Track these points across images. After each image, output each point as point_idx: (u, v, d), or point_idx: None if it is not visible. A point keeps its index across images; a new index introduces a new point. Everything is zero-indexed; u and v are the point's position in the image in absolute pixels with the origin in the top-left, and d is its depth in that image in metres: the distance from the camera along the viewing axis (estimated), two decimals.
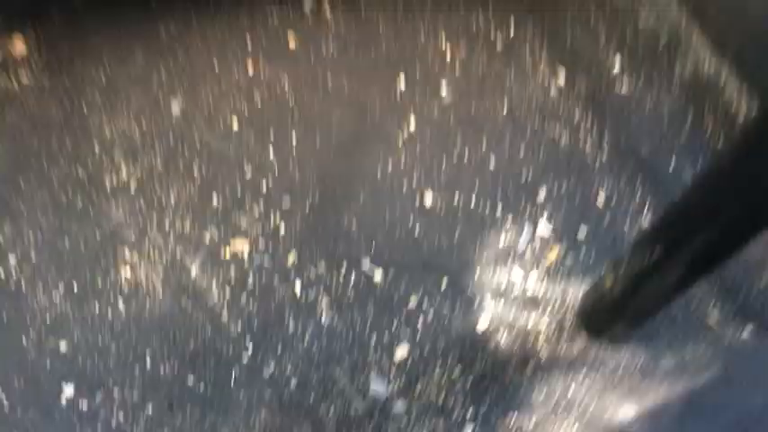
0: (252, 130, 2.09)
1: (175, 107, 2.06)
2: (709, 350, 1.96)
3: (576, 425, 1.78)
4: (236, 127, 2.08)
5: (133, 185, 1.90)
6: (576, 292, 2.02)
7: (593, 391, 1.84)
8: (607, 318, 1.83)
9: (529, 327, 1.93)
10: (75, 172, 1.88)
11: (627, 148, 2.32)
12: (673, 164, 2.31)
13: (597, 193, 2.22)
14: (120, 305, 1.72)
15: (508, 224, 2.10)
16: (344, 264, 1.91)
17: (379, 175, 2.10)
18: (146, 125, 2.01)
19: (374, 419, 1.70)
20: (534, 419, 1.77)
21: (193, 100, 2.09)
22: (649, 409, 1.76)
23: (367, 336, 1.82)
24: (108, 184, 1.88)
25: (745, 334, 2.02)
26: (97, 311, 1.70)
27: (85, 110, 1.98)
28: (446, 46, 2.33)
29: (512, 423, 1.76)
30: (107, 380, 1.62)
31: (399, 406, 1.73)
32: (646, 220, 2.18)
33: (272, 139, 2.08)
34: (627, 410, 1.81)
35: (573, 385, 1.85)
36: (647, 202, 2.21)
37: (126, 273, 1.77)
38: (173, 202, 1.91)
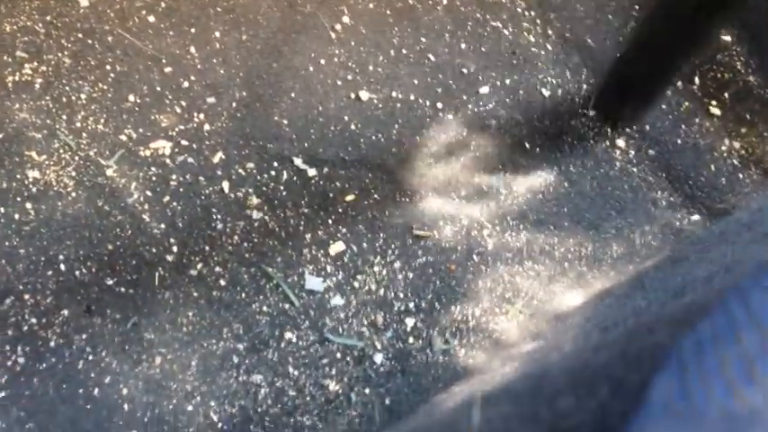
0: (169, 24, 1.93)
1: (83, 1, 1.89)
2: (658, 236, 1.91)
3: (522, 313, 1.71)
4: (152, 21, 1.92)
5: (38, 83, 1.74)
6: (519, 185, 1.94)
7: (540, 280, 1.78)
8: (618, 99, 1.94)
9: (472, 219, 1.85)
10: None
11: (572, 37, 2.23)
12: (618, 53, 2.23)
13: (543, 85, 2.13)
14: (29, 207, 1.58)
15: (449, 118, 2.00)
16: (275, 162, 1.79)
17: (310, 71, 1.97)
18: (50, 20, 1.83)
19: (310, 316, 1.61)
20: (479, 309, 1.70)
21: None
22: (595, 293, 1.70)
23: (301, 233, 1.72)
24: (9, 82, 1.72)
25: (693, 220, 1.97)
26: (3, 215, 1.56)
27: None
28: None
29: (456, 313, 1.68)
30: (17, 285, 1.49)
31: (337, 300, 1.63)
32: (591, 111, 2.11)
33: (192, 33, 1.93)
34: (574, 297, 1.75)
35: (519, 275, 1.78)
36: (593, 93, 2.13)
37: (34, 174, 1.62)
38: (84, 100, 1.75)
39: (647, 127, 2.14)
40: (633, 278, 1.65)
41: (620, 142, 2.10)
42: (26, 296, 1.48)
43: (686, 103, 2.22)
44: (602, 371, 0.56)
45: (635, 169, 2.05)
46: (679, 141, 2.13)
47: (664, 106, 2.20)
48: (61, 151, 1.67)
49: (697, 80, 2.27)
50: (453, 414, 0.63)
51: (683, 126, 2.17)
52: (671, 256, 1.76)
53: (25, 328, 1.44)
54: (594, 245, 1.87)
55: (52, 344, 1.44)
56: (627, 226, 1.93)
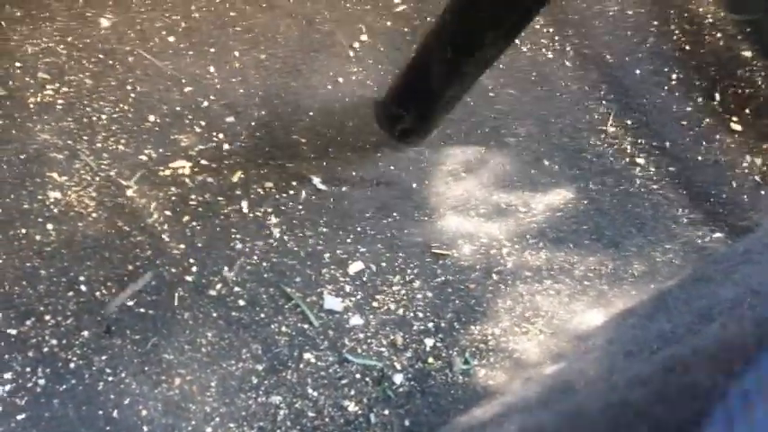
0: (189, 44, 1.94)
1: (104, 22, 1.91)
2: (679, 254, 1.89)
3: (543, 333, 1.69)
4: (172, 42, 1.94)
5: (60, 104, 1.75)
6: (537, 202, 1.93)
7: (560, 299, 1.76)
8: (398, 111, 1.83)
9: (491, 237, 1.84)
10: None
11: (591, 53, 2.22)
12: (638, 70, 2.22)
13: (561, 101, 2.12)
14: (50, 228, 1.59)
15: (469, 138, 1.99)
16: (294, 181, 1.79)
17: (329, 90, 1.98)
18: (72, 41, 1.85)
19: (329, 336, 1.60)
20: (499, 329, 1.69)
21: (124, 14, 1.93)
22: (617, 313, 1.68)
23: (320, 252, 1.71)
24: (31, 103, 1.73)
25: (715, 237, 1.95)
26: (24, 235, 1.57)
27: (4, 26, 1.82)
28: None
29: (476, 333, 1.67)
30: (37, 306, 1.50)
31: (356, 320, 1.63)
32: (611, 127, 2.10)
33: (211, 53, 1.94)
34: (595, 317, 1.74)
35: (538, 294, 1.76)
36: (612, 109, 2.12)
37: (55, 195, 1.63)
38: (104, 121, 1.77)
39: (668, 144, 2.12)
40: (656, 298, 1.64)
41: (640, 159, 2.08)
42: (47, 317, 1.49)
43: (707, 120, 2.20)
44: (640, 410, 0.54)
45: (655, 186, 2.03)
46: (700, 158, 2.11)
47: (684, 122, 2.18)
48: (82, 172, 1.68)
49: (717, 96, 2.25)
50: None
51: (704, 143, 2.15)
52: (693, 276, 1.74)
53: (45, 349, 1.45)
54: (615, 263, 1.85)
55: (72, 365, 1.45)
56: (648, 244, 1.91)
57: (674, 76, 2.26)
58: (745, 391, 0.38)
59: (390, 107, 1.85)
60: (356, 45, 2.08)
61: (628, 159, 2.07)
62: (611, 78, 2.20)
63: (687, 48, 2.33)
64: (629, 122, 2.13)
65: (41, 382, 1.42)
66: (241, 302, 1.60)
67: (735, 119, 2.21)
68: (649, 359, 1.02)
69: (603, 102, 2.15)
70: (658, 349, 1.07)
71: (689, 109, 2.20)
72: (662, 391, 0.53)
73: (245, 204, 1.74)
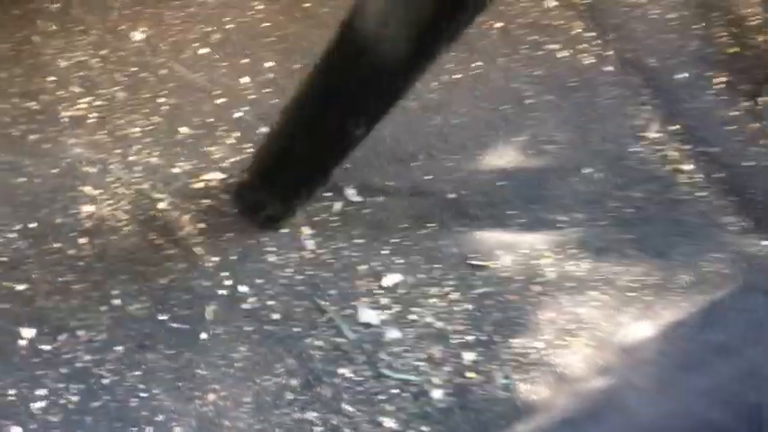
0: (222, 54, 1.93)
1: (137, 35, 1.90)
2: (728, 264, 1.81)
3: (587, 346, 1.63)
4: (204, 53, 1.92)
5: (93, 118, 1.75)
6: (578, 211, 1.87)
7: (604, 311, 1.70)
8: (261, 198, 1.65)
9: (531, 247, 1.78)
10: (28, 105, 1.72)
11: (632, 58, 2.16)
12: (681, 74, 2.15)
13: (602, 107, 2.06)
14: (83, 242, 1.58)
15: (505, 144, 1.94)
16: (328, 192, 1.76)
17: None
18: (105, 54, 1.85)
19: (365, 350, 1.56)
20: (541, 342, 1.62)
21: (157, 27, 1.93)
22: (666, 324, 1.61)
23: (354, 264, 1.67)
24: (64, 117, 1.73)
25: (765, 245, 1.86)
26: (57, 250, 1.56)
27: (38, 41, 1.82)
28: None
29: (517, 347, 1.61)
30: (70, 321, 1.48)
31: (392, 334, 1.58)
32: (654, 133, 2.03)
33: (244, 64, 1.93)
34: (642, 329, 1.66)
35: (581, 306, 1.70)
36: (655, 115, 2.05)
37: (88, 209, 1.62)
38: (137, 134, 1.75)
39: (714, 150, 2.05)
40: (706, 309, 1.56)
41: (686, 166, 2.01)
42: (80, 332, 1.47)
43: (754, 124, 2.12)
44: (704, 419, 0.50)
45: (702, 193, 1.95)
46: (748, 164, 2.03)
47: (731, 127, 2.10)
48: (115, 185, 1.67)
49: (761, 101, 2.17)
50: None
51: (752, 148, 2.07)
52: (744, 286, 1.65)
53: (79, 365, 1.43)
54: (662, 273, 1.78)
55: (105, 381, 1.43)
56: (695, 253, 1.83)
57: (718, 80, 2.18)
58: None
59: (251, 194, 1.65)
60: None
61: (673, 166, 2.00)
62: (654, 83, 2.13)
63: (731, 51, 2.25)
64: (672, 128, 2.06)
65: (74, 398, 1.40)
66: (275, 316, 1.56)
67: None
68: (708, 372, 0.96)
69: (646, 107, 2.09)
70: (714, 362, 1.01)
71: (735, 113, 2.12)
72: (727, 401, 0.48)
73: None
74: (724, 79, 2.18)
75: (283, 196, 1.63)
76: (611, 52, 2.17)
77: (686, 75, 2.16)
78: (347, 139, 1.49)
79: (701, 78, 2.16)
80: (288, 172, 1.59)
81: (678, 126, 2.06)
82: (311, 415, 1.47)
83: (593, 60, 2.14)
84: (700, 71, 2.17)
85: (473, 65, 2.06)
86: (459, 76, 2.04)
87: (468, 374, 1.58)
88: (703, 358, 1.05)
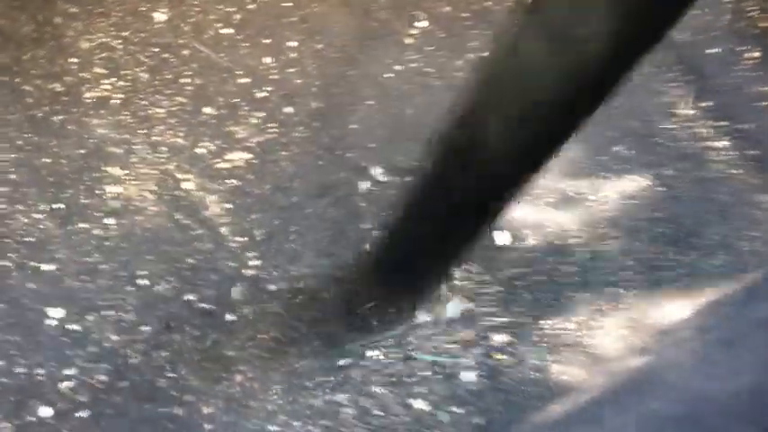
0: (244, 35, 1.91)
1: (159, 16, 1.89)
2: (764, 242, 1.76)
3: (623, 326, 1.59)
4: (227, 34, 1.90)
5: (116, 99, 1.73)
6: (609, 190, 1.83)
7: (638, 291, 1.66)
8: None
9: (561, 227, 1.74)
10: (52, 87, 1.71)
11: None
12: (713, 49, 2.09)
13: (630, 83, 2.00)
14: (109, 223, 1.56)
15: None
16: (354, 172, 1.73)
17: (387, 78, 1.91)
18: (127, 36, 1.83)
19: (394, 333, 1.53)
20: (573, 323, 1.59)
21: (178, 7, 1.91)
22: (704, 304, 1.57)
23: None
24: (88, 98, 1.72)
25: None
26: (83, 230, 1.55)
27: (60, 22, 1.81)
28: None
29: (548, 328, 1.58)
30: (98, 301, 1.47)
31: (422, 316, 1.56)
32: (685, 110, 1.98)
33: (267, 44, 1.90)
34: (678, 309, 1.62)
35: (614, 286, 1.66)
36: (687, 91, 2.00)
37: (114, 189, 1.61)
38: (161, 114, 1.74)
39: (747, 126, 1.99)
40: (747, 288, 1.51)
41: (718, 143, 1.96)
42: (107, 312, 1.46)
43: None
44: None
45: (736, 171, 1.91)
46: None
47: (764, 103, 2.05)
48: (140, 166, 1.65)
49: None
50: None
51: None
52: None
53: (107, 344, 1.42)
54: (697, 253, 1.74)
55: (133, 361, 1.41)
56: (731, 232, 1.79)
57: (751, 55, 2.12)
58: None
59: (368, 295, 1.53)
60: (413, 32, 2.02)
61: (705, 143, 1.95)
62: (684, 59, 2.08)
63: (763, 25, 2.19)
64: (704, 104, 2.01)
65: (103, 378, 1.39)
66: (301, 297, 1.54)
67: None
68: (753, 346, 0.92)
69: (676, 83, 2.04)
70: (759, 336, 0.98)
71: None
72: None
73: (303, 196, 1.69)
74: (756, 54, 2.12)
75: (409, 291, 1.52)
76: None
77: (718, 50, 2.11)
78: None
79: (733, 53, 2.11)
80: (414, 269, 1.48)
81: (710, 102, 2.01)
82: (340, 397, 1.45)
83: None
84: (731, 46, 2.12)
85: None
86: (483, 54, 2.00)
87: (499, 356, 1.55)
88: (747, 333, 1.01)
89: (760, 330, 1.06)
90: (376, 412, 1.44)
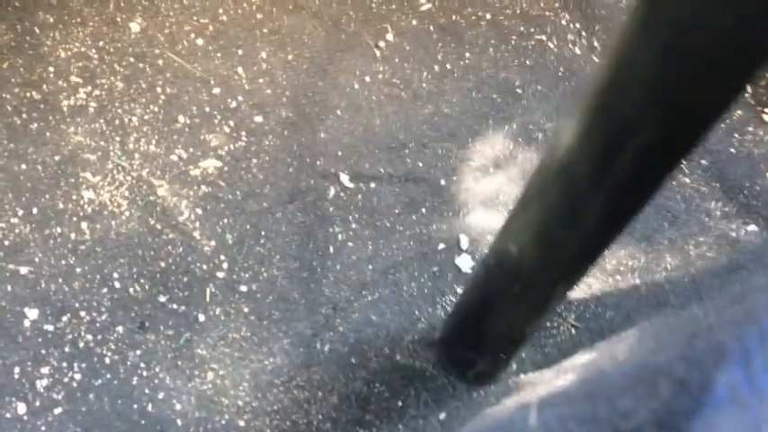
0: (217, 46, 1.97)
1: (134, 26, 1.94)
2: (713, 247, 1.86)
3: (574, 327, 1.68)
4: (200, 44, 1.96)
5: (92, 107, 1.79)
6: None
7: (591, 293, 1.75)
8: (469, 355, 1.49)
9: None
10: (30, 95, 1.76)
11: None
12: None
13: None
14: (84, 227, 1.62)
15: (495, 132, 1.99)
16: (323, 179, 1.81)
17: (356, 89, 1.99)
18: (103, 45, 1.89)
19: (359, 332, 1.60)
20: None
21: (153, 18, 1.97)
22: (650, 305, 1.66)
23: (350, 250, 1.72)
24: (65, 106, 1.77)
25: (750, 230, 1.92)
26: (59, 234, 1.60)
27: (38, 32, 1.86)
28: None
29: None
30: (73, 303, 1.52)
31: (390, 318, 1.63)
32: None
33: (239, 55, 1.97)
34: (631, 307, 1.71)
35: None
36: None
37: (89, 195, 1.66)
38: (136, 122, 1.79)
39: None
40: (690, 289, 1.61)
41: None
42: (82, 313, 1.51)
43: (738, 112, 2.17)
44: (662, 371, 0.54)
45: (687, 180, 2.01)
46: (732, 150, 2.08)
47: None
48: (115, 172, 1.71)
49: (749, 89, 2.22)
50: (508, 417, 0.62)
51: (736, 135, 2.12)
52: (727, 267, 1.71)
53: (81, 344, 1.47)
54: (647, 257, 1.83)
55: (107, 360, 1.47)
56: (680, 237, 1.88)
57: None
58: (763, 330, 0.37)
59: (459, 351, 1.52)
60: (382, 44, 2.09)
61: None
62: None
63: None
64: None
65: (77, 376, 1.45)
66: (271, 298, 1.61)
67: (767, 110, 2.17)
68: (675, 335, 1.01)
69: None
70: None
71: None
72: (684, 353, 0.53)
73: (273, 202, 1.75)
74: None
75: (494, 352, 1.46)
76: (597, 43, 2.22)
77: None
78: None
79: None
80: (495, 328, 1.41)
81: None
82: (306, 393, 1.51)
83: (581, 51, 2.19)
84: None
85: (464, 55, 2.11)
86: (449, 66, 2.09)
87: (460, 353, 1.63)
88: (681, 329, 1.10)
89: (691, 325, 1.15)
90: (343, 407, 1.51)
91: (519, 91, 2.08)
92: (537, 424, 0.49)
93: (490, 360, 1.48)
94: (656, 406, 0.47)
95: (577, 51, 2.19)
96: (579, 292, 1.73)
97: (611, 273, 1.79)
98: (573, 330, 1.68)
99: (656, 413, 0.46)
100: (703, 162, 2.05)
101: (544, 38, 2.19)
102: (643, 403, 0.47)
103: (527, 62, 2.14)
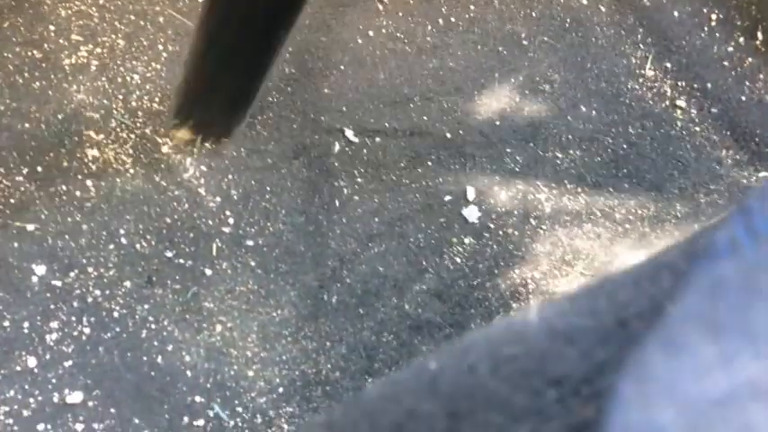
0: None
1: None
2: (724, 195, 1.84)
3: (584, 275, 1.67)
4: (201, 1, 1.94)
5: (94, 65, 1.78)
6: (575, 148, 1.90)
7: (600, 242, 1.73)
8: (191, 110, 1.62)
9: (528, 183, 1.81)
10: (31, 54, 1.75)
11: None
12: (676, 11, 2.16)
13: (597, 47, 2.07)
14: (89, 184, 1.62)
15: (502, 85, 1.97)
16: (327, 134, 1.79)
17: (359, 44, 1.96)
18: (103, 3, 1.87)
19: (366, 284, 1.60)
20: (539, 272, 1.66)
21: None
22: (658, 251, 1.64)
23: (356, 204, 1.71)
24: (66, 65, 1.76)
25: (761, 177, 1.89)
26: (64, 192, 1.60)
27: None
28: None
29: (515, 277, 1.65)
30: (80, 258, 1.52)
31: (388, 269, 1.62)
32: (649, 71, 2.04)
33: None
34: (637, 258, 1.70)
35: (578, 238, 1.73)
36: (650, 52, 2.06)
37: (93, 152, 1.66)
38: (138, 80, 1.78)
39: (709, 85, 2.06)
40: (696, 234, 1.59)
41: (681, 102, 2.03)
42: (89, 269, 1.52)
43: (749, 60, 2.13)
44: (664, 265, 0.53)
45: (697, 128, 1.98)
46: (743, 98, 2.05)
47: (726, 63, 2.12)
48: (118, 130, 1.70)
49: (760, 35, 2.18)
50: (506, 321, 0.61)
51: (747, 83, 2.09)
52: (737, 211, 1.69)
53: (90, 299, 1.48)
54: (657, 206, 1.81)
55: (116, 314, 1.47)
56: (691, 186, 1.86)
57: (713, 17, 2.19)
58: (764, 190, 0.36)
59: (184, 104, 1.62)
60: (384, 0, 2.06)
61: (668, 102, 2.02)
62: (648, 21, 2.14)
63: None
64: (668, 65, 2.08)
65: (86, 330, 1.45)
66: (277, 251, 1.61)
67: None
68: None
69: (641, 45, 2.10)
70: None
71: (730, 49, 2.13)
72: (688, 250, 0.52)
73: (278, 158, 1.74)
74: (720, 15, 2.19)
75: (212, 108, 1.62)
76: None
77: (681, 12, 2.17)
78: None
79: (696, 15, 2.17)
80: (211, 80, 1.56)
81: (673, 63, 2.08)
82: (315, 344, 1.52)
83: (588, 1, 2.15)
84: (694, 8, 2.18)
85: (468, 7, 2.08)
86: (453, 19, 2.06)
87: (467, 305, 1.62)
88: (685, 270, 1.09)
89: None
90: (351, 357, 1.51)
91: (525, 43, 2.05)
92: (537, 321, 0.49)
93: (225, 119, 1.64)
94: (655, 292, 0.46)
95: (584, 1, 2.16)
96: (587, 240, 1.72)
97: (620, 222, 1.78)
98: (582, 279, 1.67)
99: (656, 298, 0.45)
100: (713, 110, 2.02)
101: None
102: (643, 292, 0.46)
103: (533, 13, 2.11)
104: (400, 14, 2.05)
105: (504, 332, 0.52)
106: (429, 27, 2.04)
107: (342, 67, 1.92)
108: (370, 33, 2.00)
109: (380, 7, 2.05)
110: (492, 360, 0.48)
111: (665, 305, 0.46)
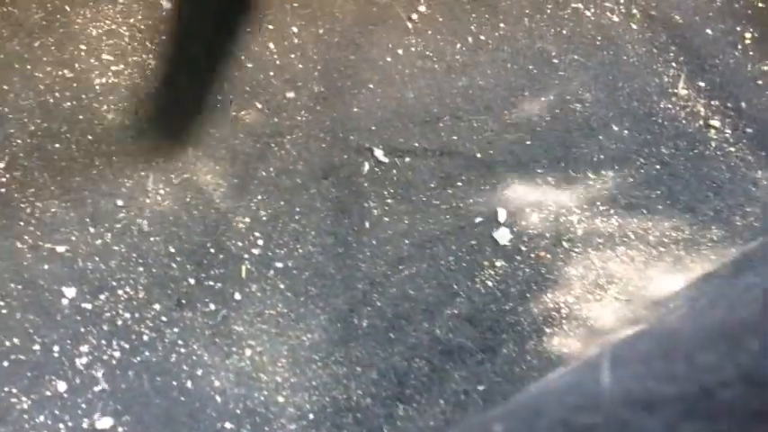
0: (248, 21, 1.94)
1: (166, 3, 1.92)
2: (760, 217, 1.80)
3: (618, 300, 1.64)
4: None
5: (124, 84, 1.77)
6: (607, 168, 1.87)
7: (634, 265, 1.70)
8: None
9: (560, 205, 1.78)
10: (62, 73, 1.76)
11: (658, 15, 2.13)
12: (709, 29, 2.12)
13: (629, 65, 2.04)
14: (121, 205, 1.61)
15: (532, 104, 1.94)
16: (356, 154, 1.78)
17: (388, 62, 1.95)
18: (134, 23, 1.87)
19: (397, 307, 1.58)
20: (572, 296, 1.63)
21: None
22: (697, 277, 1.61)
23: (385, 225, 1.69)
24: (97, 84, 1.76)
25: None
26: (95, 213, 1.59)
27: (68, 10, 1.85)
28: None
29: (548, 301, 1.62)
30: (110, 281, 1.52)
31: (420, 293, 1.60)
32: (682, 90, 2.01)
33: (270, 30, 1.94)
34: (673, 282, 1.67)
35: (611, 261, 1.70)
36: (683, 71, 2.03)
37: (125, 173, 1.65)
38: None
39: (743, 104, 2.03)
40: (740, 259, 1.56)
41: (715, 122, 1.99)
42: (119, 292, 1.51)
43: None
44: (747, 327, 0.50)
45: (732, 149, 1.94)
46: None
47: (760, 82, 2.08)
48: (150, 151, 1.69)
49: None
50: (576, 379, 0.59)
51: None
52: None
53: (119, 322, 1.47)
54: (692, 228, 1.78)
55: (145, 338, 1.46)
56: (726, 208, 1.82)
57: (747, 35, 2.15)
58: None
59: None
60: (414, 16, 2.05)
61: (701, 122, 1.98)
62: (681, 39, 2.11)
63: (760, 5, 2.22)
64: (701, 84, 2.04)
65: (116, 354, 1.44)
66: (307, 274, 1.59)
67: None
68: (741, 305, 0.97)
69: (673, 64, 2.07)
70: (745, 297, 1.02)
71: (765, 68, 2.09)
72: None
73: (307, 178, 1.73)
74: (754, 34, 2.15)
75: None
76: (636, 10, 2.15)
77: (714, 30, 2.14)
78: None
79: (730, 33, 2.14)
80: None
81: (706, 82, 2.04)
82: (345, 369, 1.50)
83: (619, 18, 2.13)
84: (728, 26, 2.15)
85: (498, 25, 2.06)
86: (483, 37, 2.04)
87: (499, 329, 1.60)
88: (738, 296, 1.05)
89: (746, 293, 1.10)
90: (383, 383, 1.49)
91: (555, 61, 2.03)
92: (612, 385, 0.46)
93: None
94: (745, 360, 0.43)
95: (615, 19, 2.13)
96: (621, 263, 1.69)
97: (654, 244, 1.74)
98: (616, 303, 1.64)
99: (744, 368, 0.43)
100: (748, 130, 1.98)
101: (580, 6, 2.13)
102: (728, 359, 0.44)
103: (563, 31, 2.08)
104: (429, 32, 2.03)
105: (577, 395, 0.49)
106: (458, 45, 2.02)
107: (371, 86, 1.91)
108: (399, 52, 1.98)
109: (409, 25, 2.03)
110: (568, 430, 0.46)
111: (754, 374, 0.43)
